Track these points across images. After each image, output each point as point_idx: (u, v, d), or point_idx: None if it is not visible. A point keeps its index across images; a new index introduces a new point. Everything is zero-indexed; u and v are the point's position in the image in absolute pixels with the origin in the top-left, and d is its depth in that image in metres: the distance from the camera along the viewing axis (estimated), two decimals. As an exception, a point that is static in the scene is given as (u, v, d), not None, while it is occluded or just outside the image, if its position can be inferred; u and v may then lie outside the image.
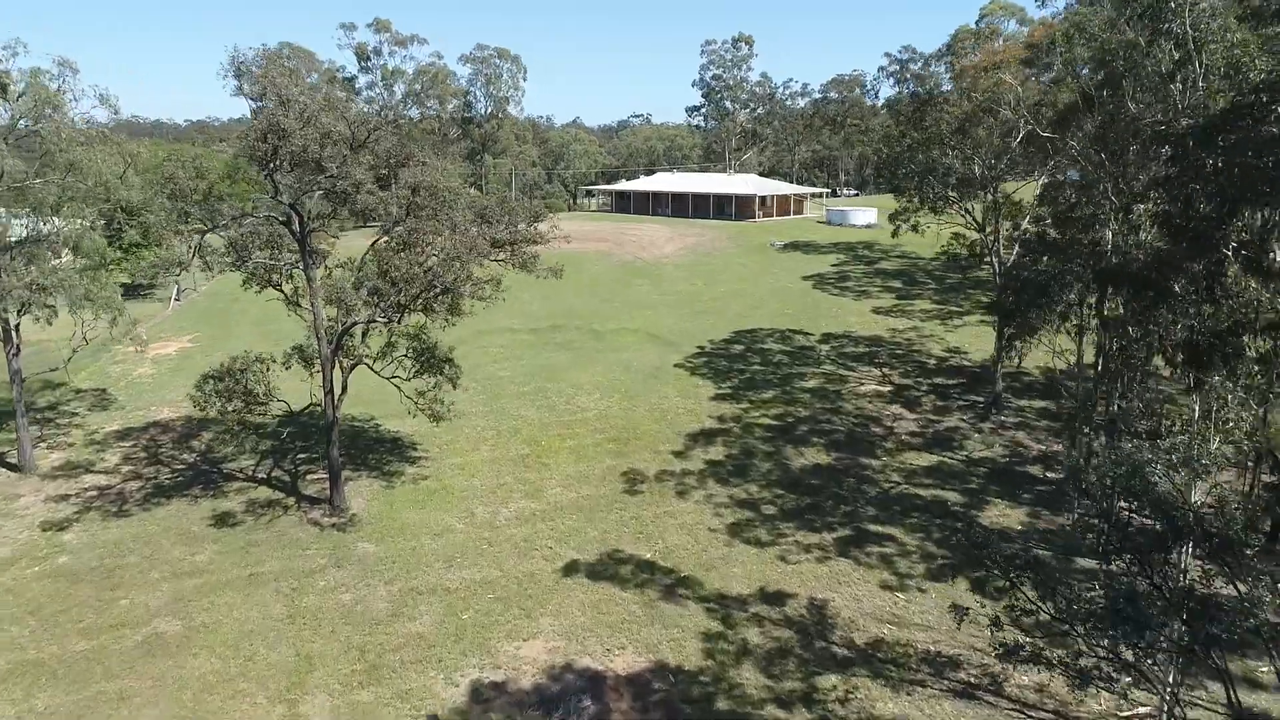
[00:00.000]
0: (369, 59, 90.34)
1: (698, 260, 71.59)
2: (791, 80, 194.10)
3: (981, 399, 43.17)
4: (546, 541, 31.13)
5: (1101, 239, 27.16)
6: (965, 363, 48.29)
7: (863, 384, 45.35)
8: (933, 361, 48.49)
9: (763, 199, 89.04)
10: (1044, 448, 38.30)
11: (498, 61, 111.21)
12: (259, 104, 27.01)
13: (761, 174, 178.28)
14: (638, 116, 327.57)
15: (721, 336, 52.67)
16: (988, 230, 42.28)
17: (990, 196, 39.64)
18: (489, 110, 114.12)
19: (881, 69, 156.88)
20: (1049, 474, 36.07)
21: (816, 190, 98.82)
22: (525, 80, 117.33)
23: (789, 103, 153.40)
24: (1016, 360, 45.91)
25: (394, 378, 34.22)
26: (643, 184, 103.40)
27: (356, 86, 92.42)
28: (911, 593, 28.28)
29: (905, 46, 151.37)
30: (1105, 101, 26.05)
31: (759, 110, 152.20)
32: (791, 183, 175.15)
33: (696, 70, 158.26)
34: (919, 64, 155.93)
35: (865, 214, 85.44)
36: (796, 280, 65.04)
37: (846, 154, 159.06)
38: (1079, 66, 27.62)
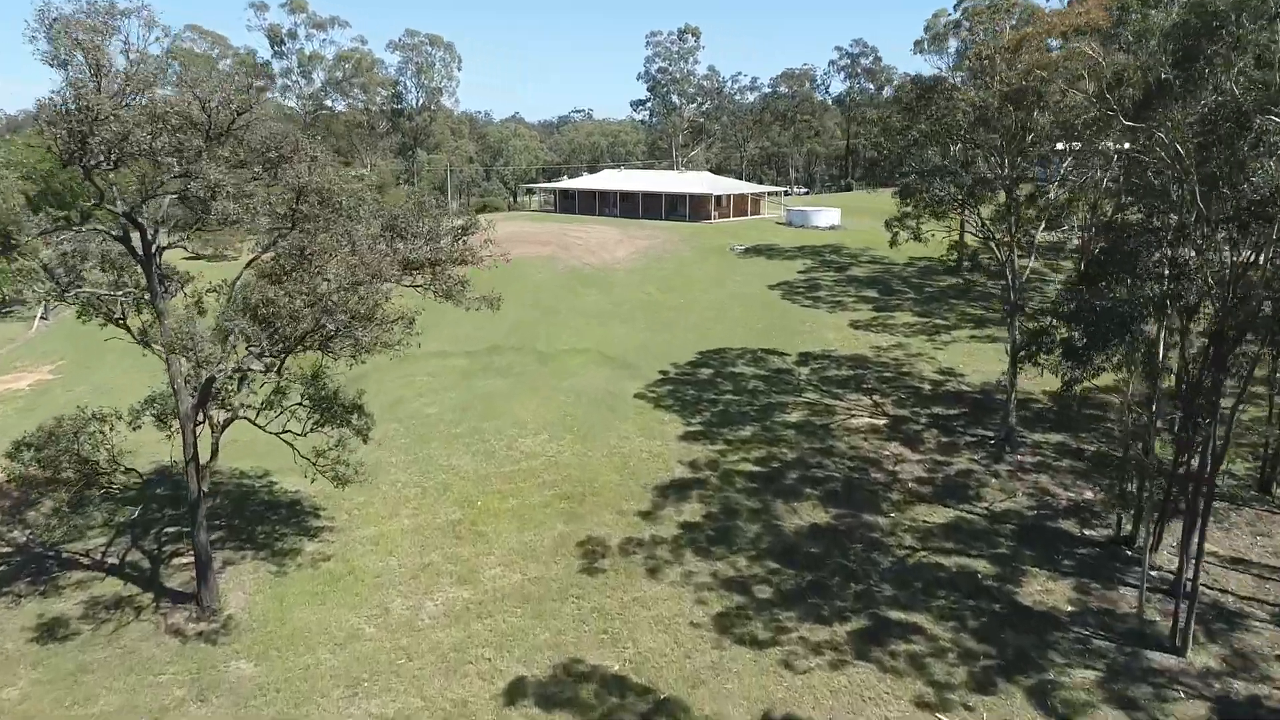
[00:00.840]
0: (283, 43, 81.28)
1: (652, 265, 64.88)
2: (740, 74, 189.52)
3: (991, 433, 37.39)
4: (483, 650, 24.04)
5: (1187, 261, 21.33)
6: (964, 387, 42.56)
7: (853, 416, 39.20)
8: (927, 386, 42.64)
9: (718, 199, 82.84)
10: (1074, 495, 32.59)
11: (429, 49, 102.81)
12: (68, 74, 19.32)
13: (710, 172, 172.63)
14: (579, 112, 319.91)
15: (686, 357, 46.04)
16: (999, 237, 36.38)
17: (1008, 198, 33.80)
18: (420, 102, 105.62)
19: (832, 63, 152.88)
20: (1088, 531, 30.32)
21: (774, 189, 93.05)
22: (460, 70, 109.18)
23: (738, 97, 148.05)
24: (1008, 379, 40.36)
25: (285, 433, 26.71)
26: (588, 182, 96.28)
27: (271, 73, 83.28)
28: (957, 712, 22.00)
29: (856, 40, 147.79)
30: (1194, 80, 20.18)
31: (706, 105, 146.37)
32: (741, 180, 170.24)
33: (641, 63, 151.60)
34: (869, 58, 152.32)
35: (828, 215, 79.84)
36: (762, 289, 58.81)
37: (796, 151, 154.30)
38: (1152, 39, 21.92)
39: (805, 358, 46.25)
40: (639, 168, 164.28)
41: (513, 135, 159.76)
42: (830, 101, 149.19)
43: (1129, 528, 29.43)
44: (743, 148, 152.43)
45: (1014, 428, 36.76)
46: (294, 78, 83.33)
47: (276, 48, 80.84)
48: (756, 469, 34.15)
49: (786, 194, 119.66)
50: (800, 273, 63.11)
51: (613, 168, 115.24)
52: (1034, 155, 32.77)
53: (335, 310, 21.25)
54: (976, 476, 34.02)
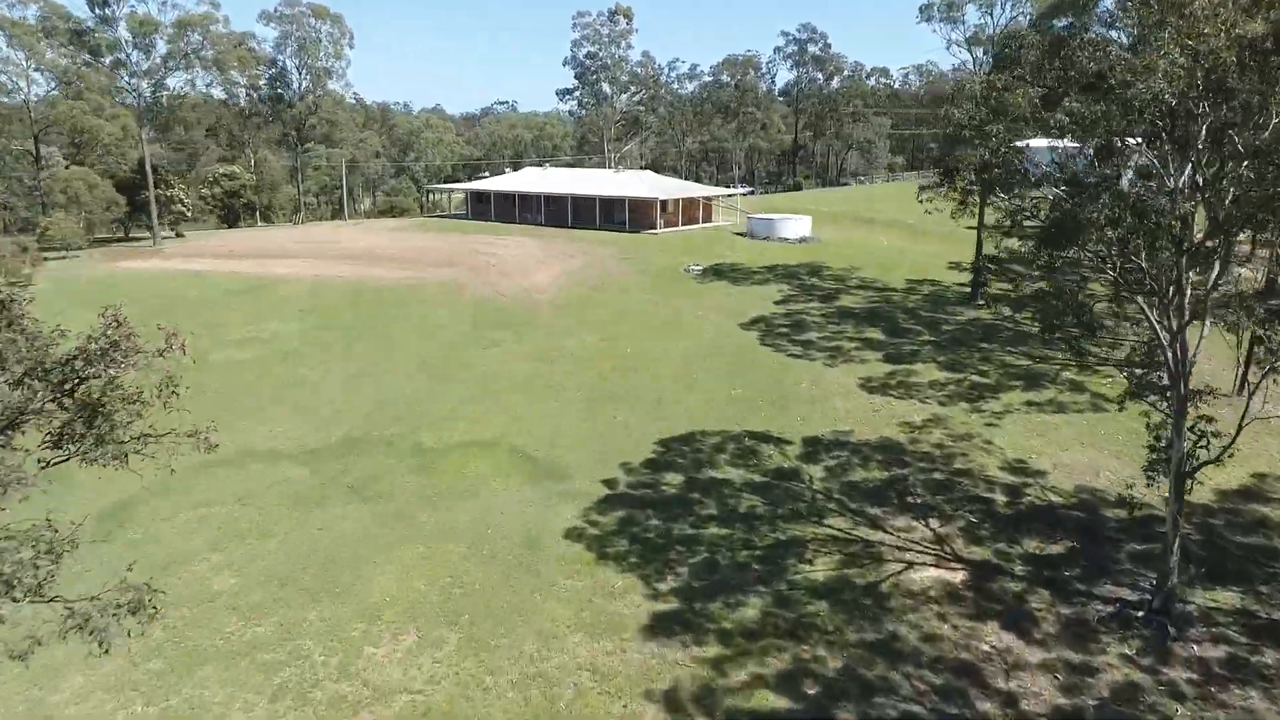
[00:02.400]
0: (108, 4, 63.21)
1: (587, 297, 49.88)
2: (678, 61, 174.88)
3: (1129, 593, 23.72)
4: None
5: None
6: (1052, 496, 28.87)
7: (912, 563, 25.02)
8: (1000, 497, 28.83)
9: (663, 204, 68.37)
10: (1325, 742, 19.06)
11: (312, 22, 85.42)
12: None
13: (643, 169, 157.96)
14: (503, 104, 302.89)
15: (640, 452, 31.24)
16: (1160, 290, 22.41)
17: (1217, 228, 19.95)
18: (304, 85, 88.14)
19: (778, 49, 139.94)
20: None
21: (728, 191, 78.81)
22: (351, 48, 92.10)
23: (675, 86, 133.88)
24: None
25: None
26: (508, 182, 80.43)
27: (92, 43, 65.01)
28: None
29: (804, 25, 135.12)
30: None
31: (641, 95, 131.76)
32: (682, 179, 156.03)
33: (568, 47, 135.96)
34: (819, 44, 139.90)
35: (798, 224, 66.06)
36: (734, 330, 44.45)
37: (739, 146, 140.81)
38: None
39: (813, 446, 31.95)
40: (567, 164, 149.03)
41: (425, 127, 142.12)
42: (776, 93, 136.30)
43: None
44: (681, 142, 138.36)
45: (1173, 590, 23.12)
46: (128, 51, 65.26)
47: (98, 9, 62.80)
48: (785, 705, 19.57)
49: (750, 192, 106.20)
50: (778, 304, 48.93)
51: (537, 164, 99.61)
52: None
53: None
54: (1146, 699, 20.18)
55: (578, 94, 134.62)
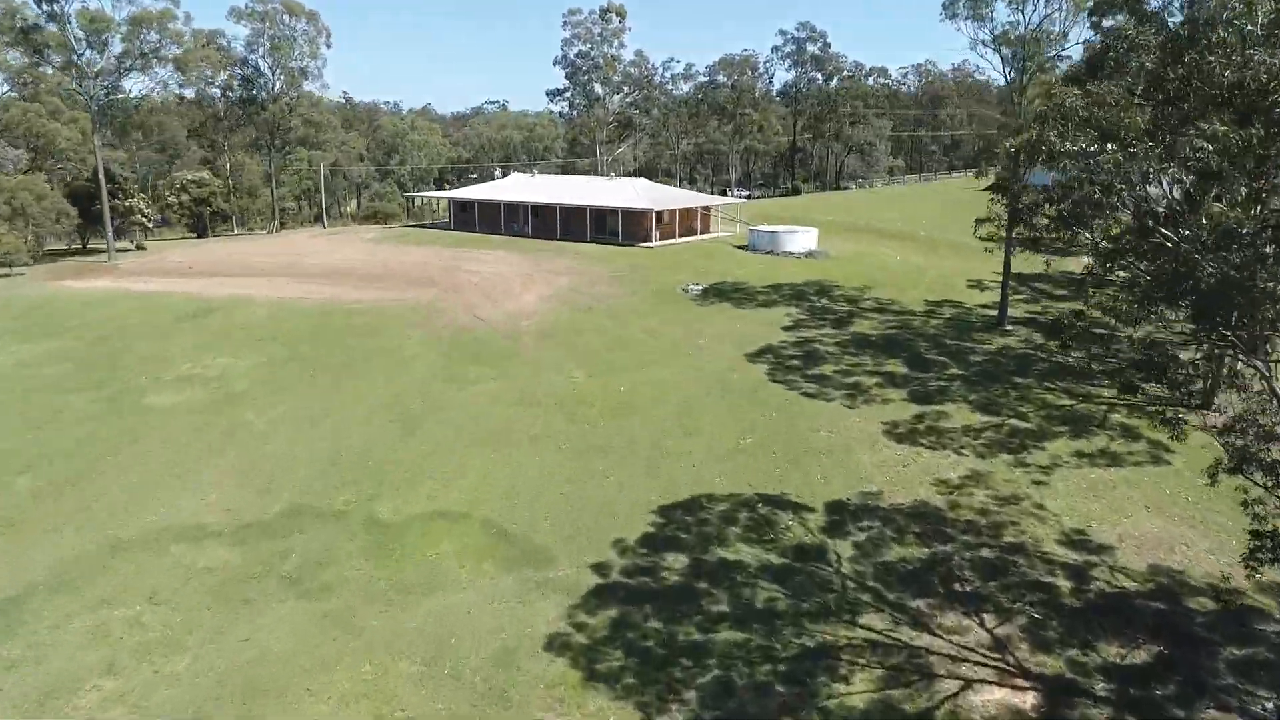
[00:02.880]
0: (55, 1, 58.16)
1: (575, 322, 45.20)
2: (672, 61, 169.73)
3: (1237, 711, 19.21)
4: None
5: None
6: (1126, 580, 24.31)
7: (969, 681, 20.44)
8: (1061, 577, 24.26)
9: (658, 215, 63.66)
10: None
11: (286, 19, 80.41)
12: None
13: (636, 172, 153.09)
14: (493, 103, 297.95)
15: (636, 525, 26.54)
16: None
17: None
18: (277, 87, 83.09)
19: (776, 49, 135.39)
20: None
21: (726, 200, 74.01)
22: (329, 47, 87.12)
23: (670, 87, 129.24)
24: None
25: None
26: (493, 190, 75.56)
27: (39, 41, 59.93)
28: None
29: (803, 24, 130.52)
30: None
31: (634, 96, 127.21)
32: (677, 185, 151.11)
33: (558, 46, 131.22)
34: (818, 44, 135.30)
35: (804, 237, 61.47)
36: (740, 362, 39.80)
37: (735, 148, 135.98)
38: None
39: (839, 514, 27.34)
40: (557, 170, 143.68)
41: (409, 129, 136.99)
42: (774, 94, 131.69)
43: None
44: (675, 145, 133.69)
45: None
46: (81, 50, 60.20)
47: (44, 5, 57.72)
48: None
49: (748, 197, 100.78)
50: (787, 330, 44.32)
51: (525, 169, 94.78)
52: None
53: None
54: None
55: (568, 94, 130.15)
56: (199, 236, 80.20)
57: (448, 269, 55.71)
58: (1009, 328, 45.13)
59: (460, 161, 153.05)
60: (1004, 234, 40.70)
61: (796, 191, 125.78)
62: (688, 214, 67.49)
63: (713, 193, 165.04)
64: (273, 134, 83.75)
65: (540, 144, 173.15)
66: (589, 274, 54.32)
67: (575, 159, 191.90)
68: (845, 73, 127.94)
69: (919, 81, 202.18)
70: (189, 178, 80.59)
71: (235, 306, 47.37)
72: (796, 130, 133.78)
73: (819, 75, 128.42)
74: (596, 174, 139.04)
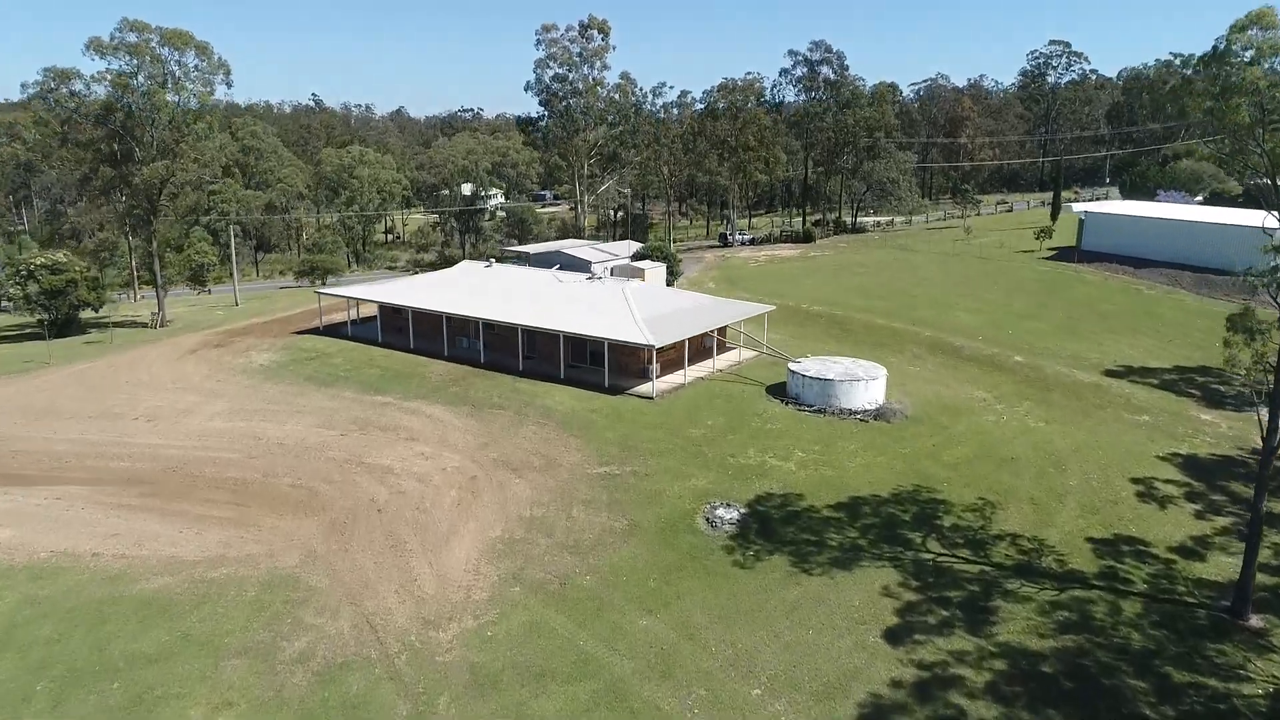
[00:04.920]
0: None
1: (535, 629, 26.93)
2: (664, 85, 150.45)
3: None
4: None
5: None
6: None
7: None
8: None
9: (657, 350, 44.90)
10: None
11: (164, 54, 60.99)
12: None
13: (621, 208, 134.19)
14: (467, 111, 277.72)
15: None
16: None
17: None
18: (158, 139, 63.45)
19: (784, 72, 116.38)
20: None
21: (751, 308, 54.47)
22: (229, 85, 68.14)
23: (662, 115, 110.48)
24: None
25: None
26: (435, 295, 56.05)
27: None
28: None
29: (816, 43, 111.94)
30: None
31: (620, 127, 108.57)
32: (665, 205, 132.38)
33: (531, 67, 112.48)
34: (833, 66, 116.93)
35: (868, 387, 43.22)
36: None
37: (735, 182, 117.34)
38: None
39: None
40: (529, 213, 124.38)
41: (358, 161, 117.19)
42: (783, 123, 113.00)
43: None
44: (668, 182, 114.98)
45: None
46: None
47: None
48: None
49: (751, 241, 79.27)
50: (891, 640, 26.11)
51: (480, 265, 75.76)
52: None
53: None
54: None
55: (543, 125, 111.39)
56: (56, 337, 60.97)
57: (349, 458, 37.07)
58: (1257, 624, 27.20)
59: (424, 184, 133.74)
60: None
61: (809, 238, 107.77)
62: (699, 341, 49.06)
63: (709, 224, 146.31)
64: (152, 199, 64.29)
65: (513, 169, 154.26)
66: (561, 472, 35.85)
67: (553, 185, 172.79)
68: (865, 100, 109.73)
69: (931, 100, 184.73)
70: (37, 262, 61.26)
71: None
72: (809, 166, 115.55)
73: (833, 101, 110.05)
74: (577, 210, 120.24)
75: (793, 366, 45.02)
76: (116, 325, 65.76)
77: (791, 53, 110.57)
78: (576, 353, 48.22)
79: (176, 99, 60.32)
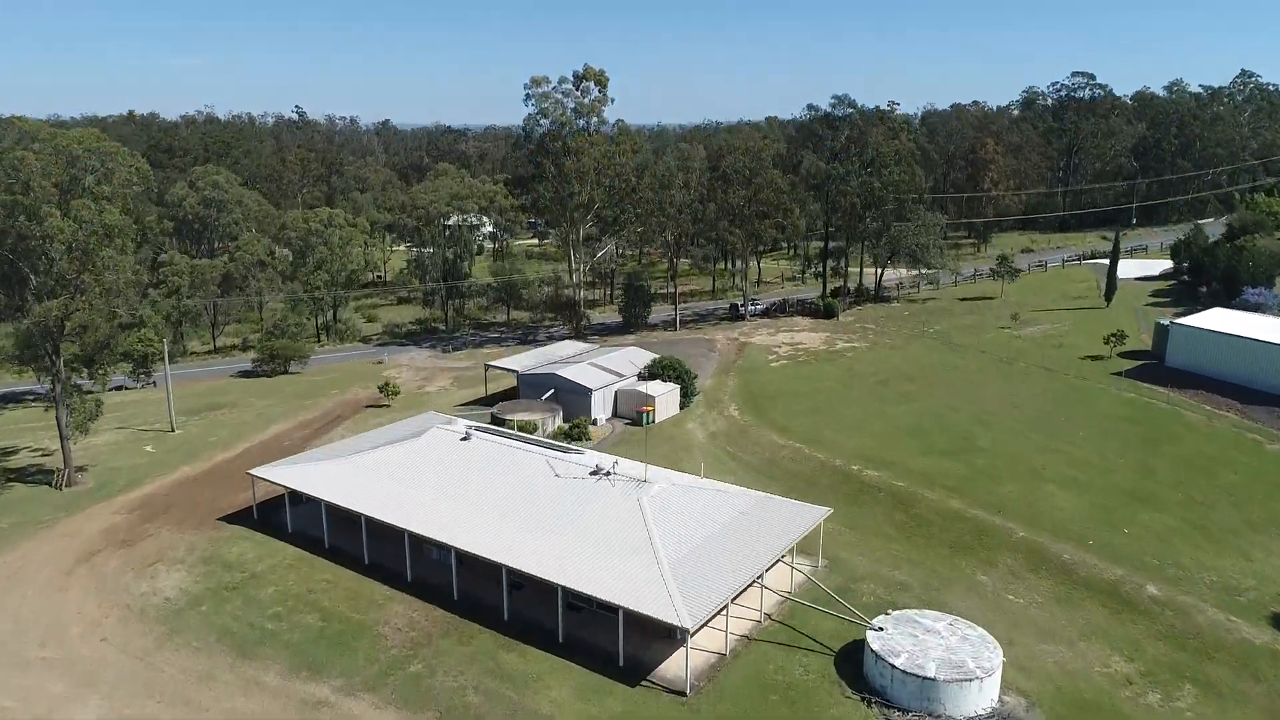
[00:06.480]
0: None
1: None
2: (666, 147, 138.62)
3: None
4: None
5: None
6: None
7: None
8: None
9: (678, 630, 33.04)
10: None
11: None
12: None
13: (619, 266, 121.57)
14: (453, 131, 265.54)
15: None
16: None
17: None
18: (56, 268, 51.14)
19: (802, 127, 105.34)
20: None
21: (809, 521, 41.72)
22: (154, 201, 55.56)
23: (665, 179, 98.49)
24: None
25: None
26: (395, 485, 44.04)
27: None
28: None
29: (839, 97, 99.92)
30: None
31: (620, 192, 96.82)
32: (669, 259, 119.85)
33: (520, 121, 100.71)
34: (855, 126, 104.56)
35: (977, 690, 31.45)
36: None
37: (751, 248, 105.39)
38: None
39: None
40: (519, 302, 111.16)
41: (325, 224, 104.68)
42: (800, 184, 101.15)
43: None
44: (672, 250, 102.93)
45: None
46: None
47: None
48: None
49: (763, 313, 66.66)
50: None
51: (454, 432, 63.68)
52: None
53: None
54: None
55: (539, 186, 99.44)
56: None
57: None
58: None
59: (403, 224, 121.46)
60: None
61: (831, 313, 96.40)
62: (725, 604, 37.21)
63: (714, 281, 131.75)
64: (52, 337, 51.81)
65: (501, 215, 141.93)
66: None
67: (543, 234, 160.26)
68: (890, 159, 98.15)
69: (943, 129, 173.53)
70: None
71: None
72: (828, 229, 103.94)
73: (858, 160, 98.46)
74: (570, 273, 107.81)
75: (874, 644, 33.22)
76: (10, 478, 53.69)
77: (811, 107, 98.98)
78: (572, 622, 36.29)
79: (75, 225, 47.94)
